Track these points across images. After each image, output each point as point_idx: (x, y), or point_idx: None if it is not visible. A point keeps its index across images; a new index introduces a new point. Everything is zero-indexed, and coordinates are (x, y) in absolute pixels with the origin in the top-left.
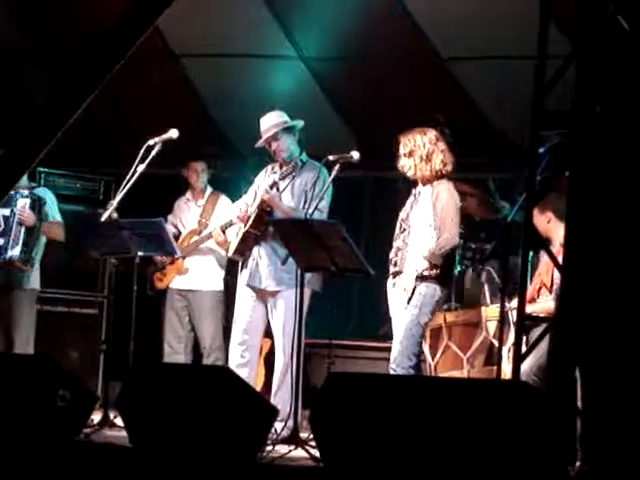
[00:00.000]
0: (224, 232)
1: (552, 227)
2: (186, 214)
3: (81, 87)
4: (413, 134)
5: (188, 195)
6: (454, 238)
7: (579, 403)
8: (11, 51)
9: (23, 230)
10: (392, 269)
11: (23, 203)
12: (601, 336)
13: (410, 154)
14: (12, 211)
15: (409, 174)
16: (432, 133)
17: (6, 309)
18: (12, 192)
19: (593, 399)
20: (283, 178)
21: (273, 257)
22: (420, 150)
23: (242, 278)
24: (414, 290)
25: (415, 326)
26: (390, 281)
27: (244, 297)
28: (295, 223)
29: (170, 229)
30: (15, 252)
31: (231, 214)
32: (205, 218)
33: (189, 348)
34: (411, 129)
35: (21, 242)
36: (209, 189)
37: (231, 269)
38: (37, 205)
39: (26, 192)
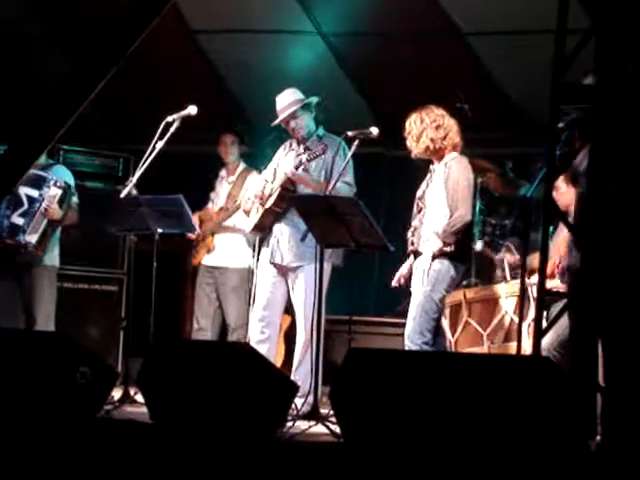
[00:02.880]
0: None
1: None
2: (220, 191)
3: (100, 64)
4: (410, 115)
5: (223, 172)
6: (466, 215)
7: (600, 378)
8: (27, 34)
9: (45, 222)
10: (410, 248)
11: (54, 193)
12: (623, 311)
13: (408, 134)
14: (41, 195)
15: (412, 155)
16: (425, 113)
17: (27, 286)
18: (45, 174)
19: (615, 374)
20: (311, 160)
21: (294, 233)
22: (413, 131)
23: (263, 255)
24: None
25: (428, 302)
26: (410, 260)
27: (265, 274)
28: (315, 199)
29: (211, 207)
30: (32, 239)
31: (242, 197)
32: (234, 195)
33: (216, 325)
34: (413, 110)
35: (40, 231)
36: (242, 165)
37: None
38: (67, 198)
39: (60, 182)
